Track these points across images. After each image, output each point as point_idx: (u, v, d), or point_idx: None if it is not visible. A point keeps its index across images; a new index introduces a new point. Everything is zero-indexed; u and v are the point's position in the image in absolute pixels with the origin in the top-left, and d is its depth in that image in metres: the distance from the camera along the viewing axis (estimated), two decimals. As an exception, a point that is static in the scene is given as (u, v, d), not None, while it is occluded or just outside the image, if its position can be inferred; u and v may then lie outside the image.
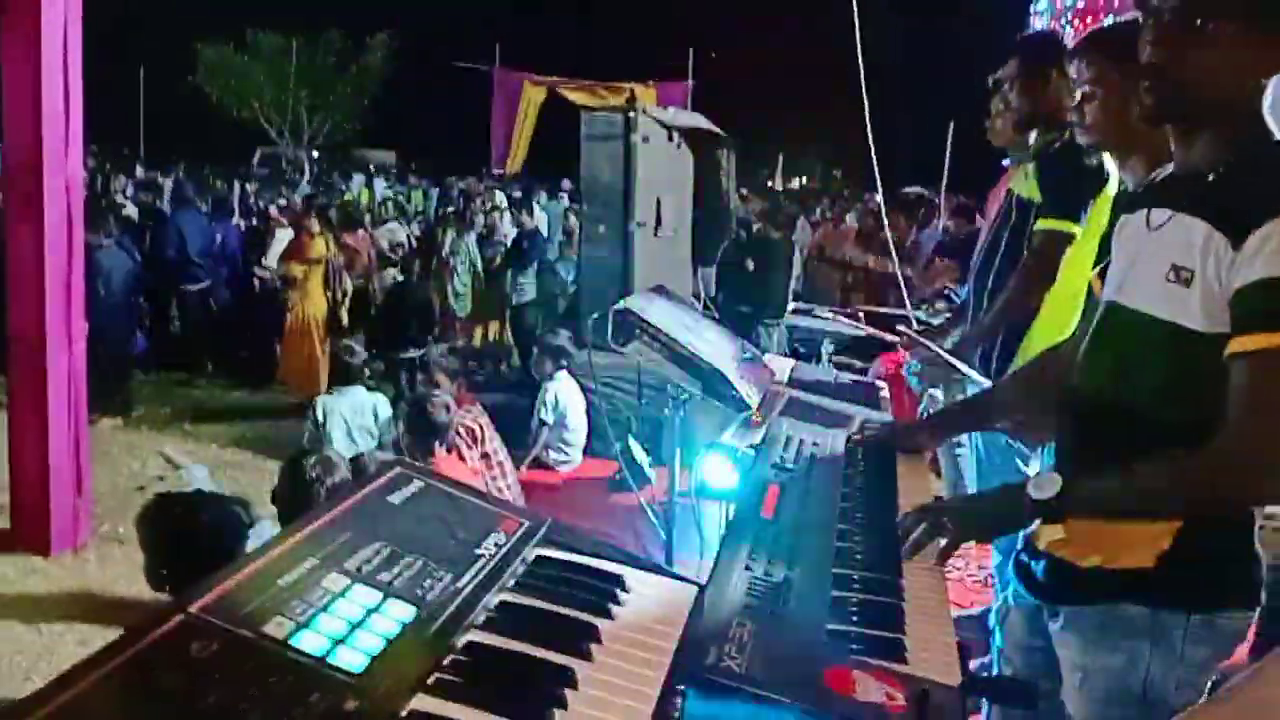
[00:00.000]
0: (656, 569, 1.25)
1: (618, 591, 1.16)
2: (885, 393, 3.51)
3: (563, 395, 5.61)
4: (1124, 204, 1.81)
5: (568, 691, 1.00)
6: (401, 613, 1.02)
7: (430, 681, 0.96)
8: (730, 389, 2.48)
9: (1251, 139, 1.57)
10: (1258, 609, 1.65)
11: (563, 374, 5.68)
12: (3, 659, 3.97)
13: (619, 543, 4.19)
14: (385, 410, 5.50)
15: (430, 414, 4.04)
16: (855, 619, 1.42)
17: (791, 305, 4.72)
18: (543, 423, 5.58)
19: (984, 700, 1.83)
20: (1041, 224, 3.11)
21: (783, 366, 3.56)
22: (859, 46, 4.36)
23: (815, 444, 2.21)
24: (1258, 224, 1.45)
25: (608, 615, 1.16)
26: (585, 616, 1.13)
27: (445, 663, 1.00)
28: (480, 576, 1.07)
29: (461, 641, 1.04)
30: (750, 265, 8.67)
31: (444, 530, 1.11)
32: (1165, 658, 1.61)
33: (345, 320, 8.45)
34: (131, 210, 10.04)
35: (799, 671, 1.27)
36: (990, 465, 3.24)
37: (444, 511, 1.15)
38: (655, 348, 2.51)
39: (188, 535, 2.36)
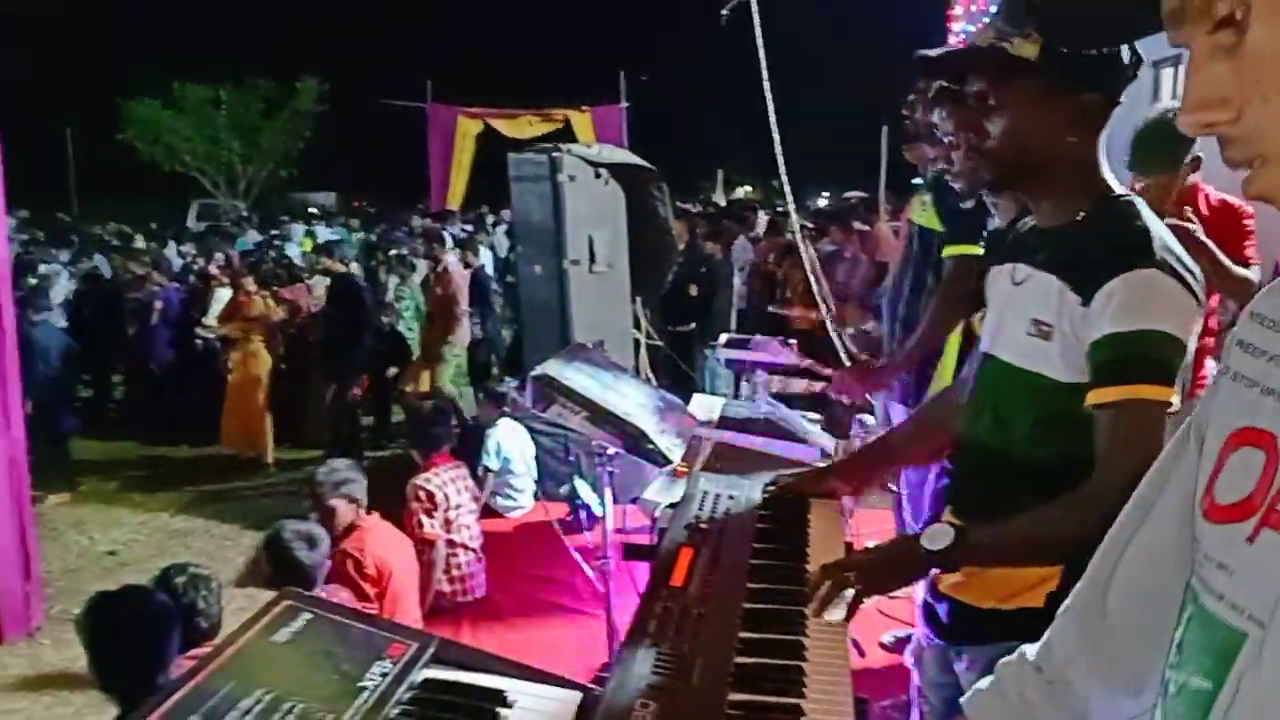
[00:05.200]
0: (544, 678, 1.30)
1: (499, 710, 1.21)
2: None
3: (505, 441, 5.65)
4: (993, 255, 1.90)
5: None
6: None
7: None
8: (649, 444, 2.54)
9: (1093, 196, 1.66)
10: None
11: (505, 420, 5.72)
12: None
13: (571, 589, 4.21)
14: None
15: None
16: (756, 688, 1.48)
17: (724, 338, 4.78)
18: (487, 469, 5.62)
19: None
20: (948, 251, 3.21)
21: (713, 405, 3.63)
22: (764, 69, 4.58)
23: (732, 496, 2.26)
24: (1103, 281, 1.55)
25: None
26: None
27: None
28: (363, 711, 1.11)
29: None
30: (694, 290, 8.75)
31: (329, 665, 1.15)
32: None
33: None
34: (65, 286, 9.99)
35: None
36: None
37: (330, 645, 1.19)
38: (574, 409, 2.57)
39: (114, 638, 2.37)
